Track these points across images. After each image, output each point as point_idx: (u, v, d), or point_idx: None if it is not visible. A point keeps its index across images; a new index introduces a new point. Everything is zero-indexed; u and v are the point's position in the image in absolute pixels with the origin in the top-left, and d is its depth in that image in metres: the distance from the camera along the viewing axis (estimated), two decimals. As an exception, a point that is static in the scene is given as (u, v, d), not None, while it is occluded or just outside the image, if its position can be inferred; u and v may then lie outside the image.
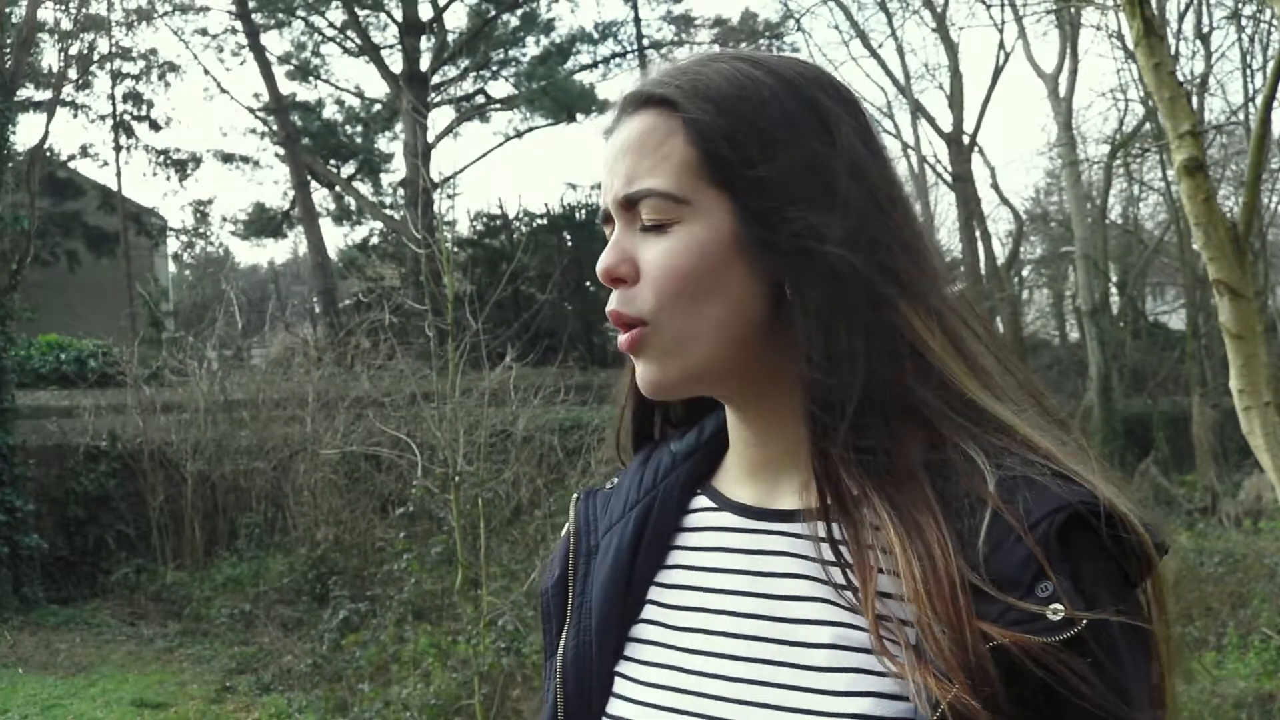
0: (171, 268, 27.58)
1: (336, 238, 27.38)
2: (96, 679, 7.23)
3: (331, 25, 21.20)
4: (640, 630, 0.87)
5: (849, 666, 0.75)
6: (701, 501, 0.90)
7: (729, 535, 0.86)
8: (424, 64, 20.06)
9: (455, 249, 9.23)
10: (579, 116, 20.68)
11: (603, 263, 0.83)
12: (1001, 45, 20.70)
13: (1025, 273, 23.52)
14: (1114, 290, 18.77)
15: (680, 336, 0.80)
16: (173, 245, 26.11)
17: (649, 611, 0.87)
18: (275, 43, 30.60)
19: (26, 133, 23.89)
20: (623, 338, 0.82)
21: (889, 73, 18.46)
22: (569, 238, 17.87)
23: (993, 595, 0.69)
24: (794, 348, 0.80)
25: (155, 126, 21.30)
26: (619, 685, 0.86)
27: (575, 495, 0.98)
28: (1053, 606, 0.68)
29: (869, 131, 0.83)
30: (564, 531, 0.95)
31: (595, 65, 21.37)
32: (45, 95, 18.24)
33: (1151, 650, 0.73)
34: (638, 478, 0.93)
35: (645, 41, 20.64)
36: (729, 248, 0.79)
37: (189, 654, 7.86)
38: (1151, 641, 0.73)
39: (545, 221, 18.00)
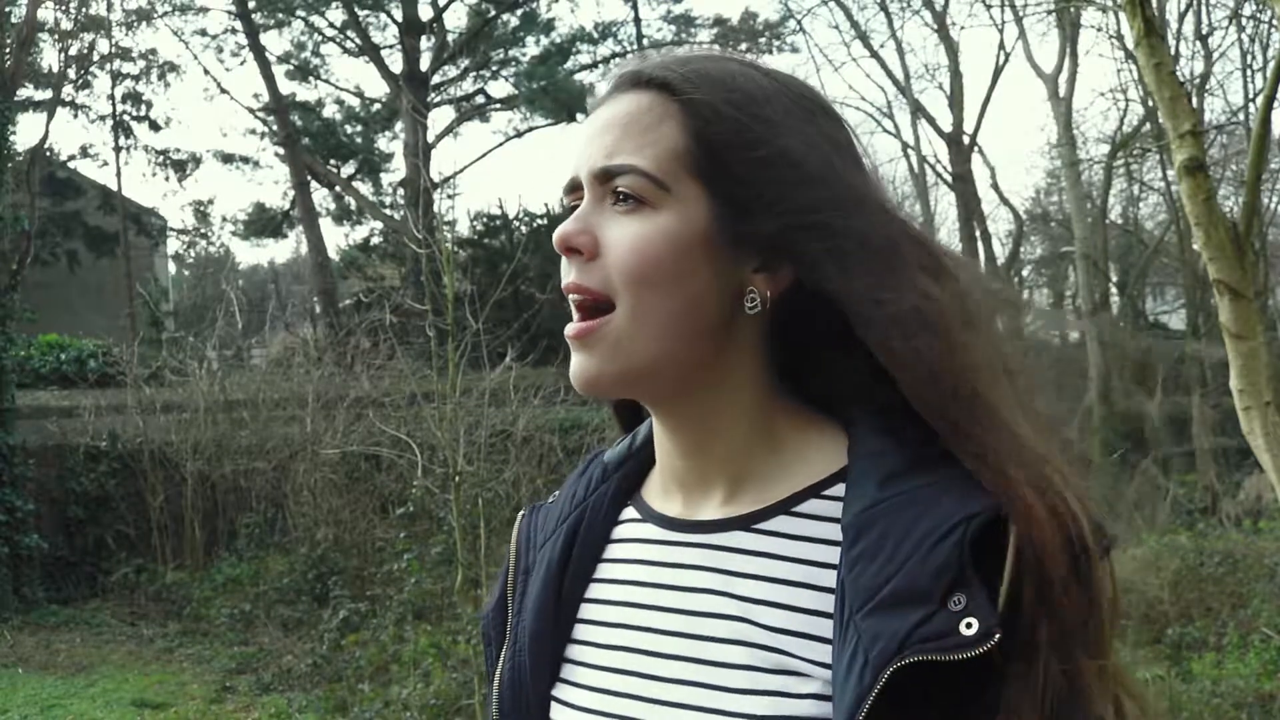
0: (171, 268, 27.61)
1: (336, 238, 27.40)
2: (96, 679, 7.23)
3: (331, 25, 21.22)
4: (573, 651, 0.85)
5: (765, 689, 0.73)
6: (629, 513, 0.88)
7: (651, 548, 0.84)
8: (424, 64, 20.06)
9: (455, 249, 9.22)
10: (579, 116, 20.66)
11: (562, 230, 0.79)
12: (1001, 45, 20.67)
13: (1025, 273, 23.56)
14: (1114, 290, 18.77)
15: (634, 328, 0.77)
16: (173, 245, 26.15)
17: (580, 630, 0.85)
18: (275, 43, 30.66)
19: (26, 133, 23.87)
20: (579, 325, 0.79)
21: (889, 73, 18.42)
22: (569, 237, 17.83)
23: (904, 608, 0.67)
24: (738, 364, 0.80)
25: (155, 127, 21.32)
26: (555, 711, 0.84)
27: (521, 513, 0.95)
28: (966, 620, 0.65)
29: (849, 134, 0.83)
30: (507, 550, 0.93)
31: (595, 65, 21.37)
32: (45, 95, 18.25)
33: (1090, 662, 0.70)
34: (572, 490, 0.91)
35: (645, 41, 20.64)
36: (699, 246, 0.77)
37: (189, 654, 7.86)
38: (1094, 652, 0.70)
39: (545, 221, 17.98)
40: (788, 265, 0.78)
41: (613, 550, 0.87)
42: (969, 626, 0.65)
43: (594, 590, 0.86)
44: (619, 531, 0.88)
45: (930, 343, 0.74)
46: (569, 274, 0.80)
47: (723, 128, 0.78)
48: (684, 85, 0.79)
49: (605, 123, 0.81)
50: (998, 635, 0.65)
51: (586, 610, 0.86)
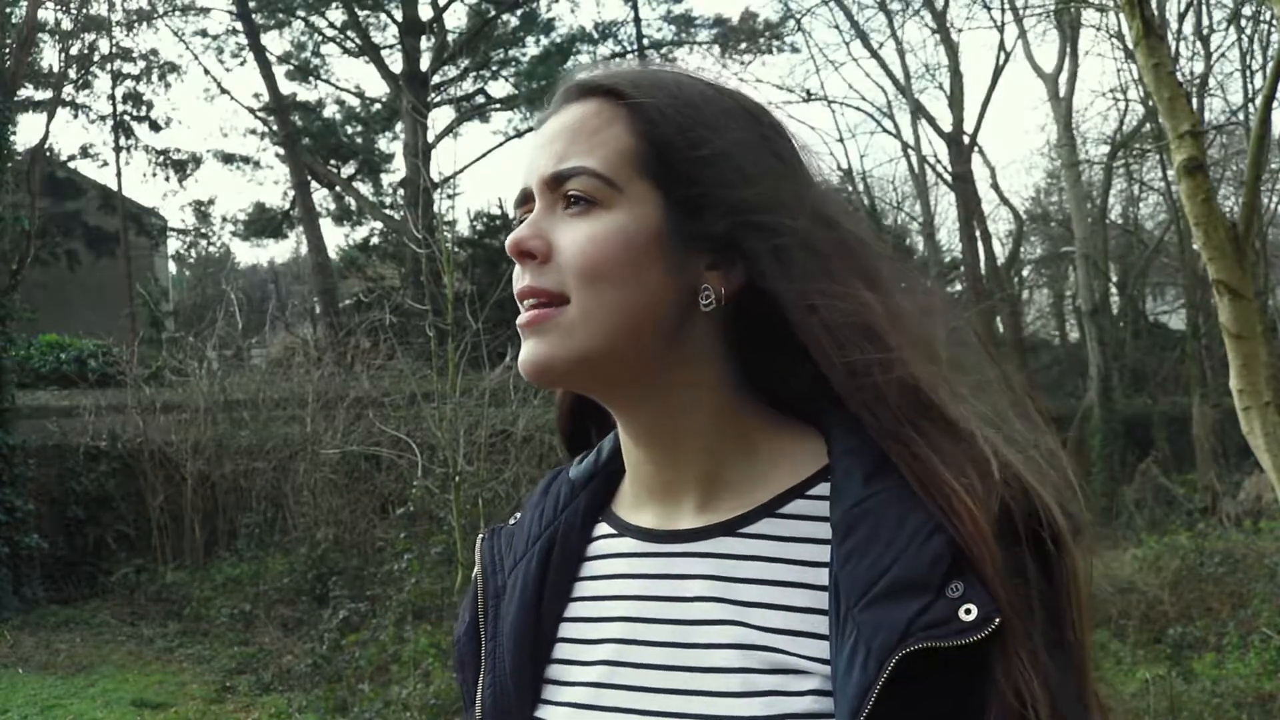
0: (172, 268, 27.58)
1: (336, 238, 27.35)
2: (96, 679, 7.23)
3: (331, 25, 21.20)
4: (554, 671, 0.84)
5: (763, 689, 0.73)
6: (602, 529, 0.88)
7: (631, 561, 0.84)
8: (424, 64, 20.05)
9: (455, 249, 9.22)
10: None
11: (515, 235, 0.80)
12: (1001, 45, 20.64)
13: (1025, 273, 23.52)
14: (1114, 290, 18.78)
15: (587, 320, 0.77)
16: (173, 245, 26.13)
17: (560, 650, 0.84)
18: (275, 43, 30.43)
19: (26, 133, 23.80)
20: (527, 314, 0.79)
21: (889, 73, 18.36)
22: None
23: (903, 597, 0.68)
24: (698, 363, 0.80)
25: (155, 127, 21.31)
26: None
27: (480, 535, 0.95)
28: (964, 607, 0.66)
29: (793, 142, 0.84)
30: (473, 575, 0.92)
31: (595, 65, 21.29)
32: (45, 95, 18.24)
33: (1072, 642, 0.71)
34: (539, 510, 0.90)
35: (645, 41, 20.63)
36: (652, 243, 0.78)
37: (189, 654, 7.86)
38: (1071, 632, 0.71)
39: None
40: (739, 264, 0.79)
41: (590, 567, 0.86)
42: (968, 613, 0.66)
43: (573, 609, 0.86)
44: (594, 548, 0.87)
45: (862, 353, 0.75)
46: (522, 279, 0.80)
47: (668, 128, 0.79)
48: (629, 89, 0.81)
49: (554, 132, 0.82)
50: (997, 620, 0.66)
51: (567, 629, 0.85)
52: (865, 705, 0.66)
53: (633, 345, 0.78)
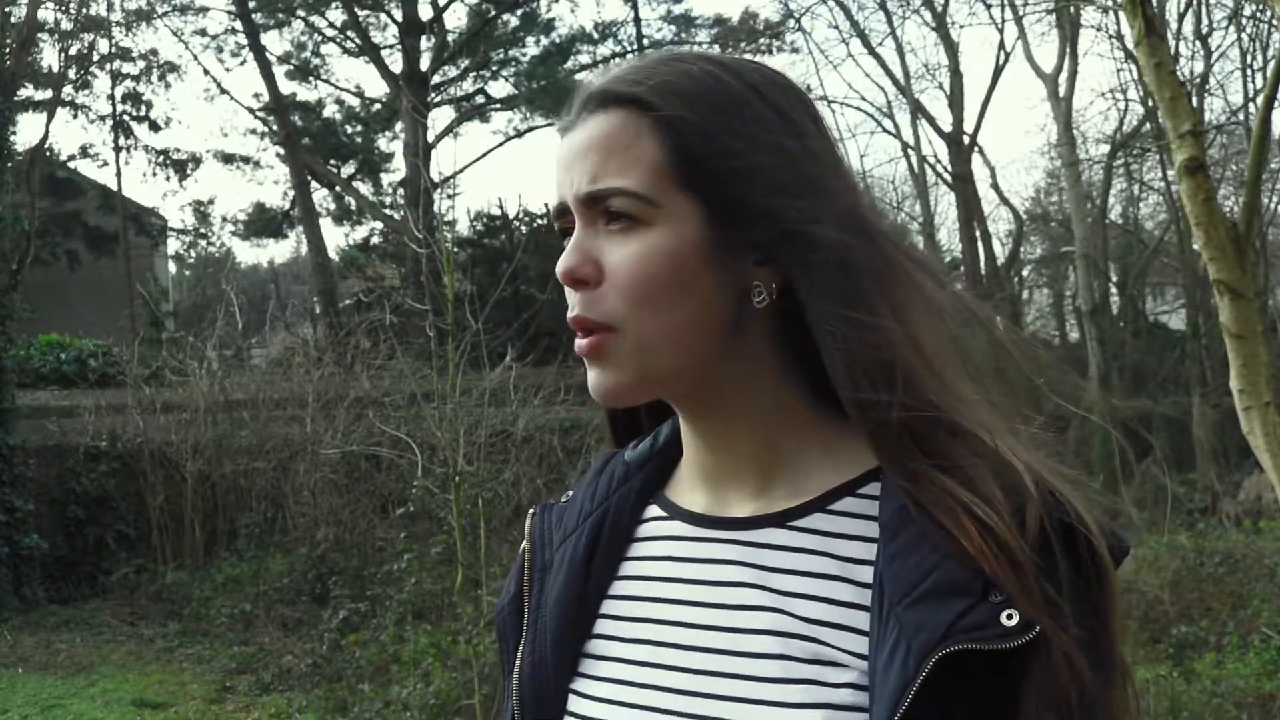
0: (171, 268, 27.59)
1: (336, 238, 27.34)
2: (96, 679, 7.23)
3: (331, 25, 21.22)
4: (593, 645, 0.86)
5: (800, 677, 0.74)
6: (653, 510, 0.89)
7: (679, 544, 0.85)
8: (424, 64, 20.05)
9: (455, 249, 9.22)
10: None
11: (564, 263, 0.80)
12: (1001, 45, 20.64)
13: (1025, 273, 23.52)
14: (1114, 290, 18.77)
15: (643, 343, 0.78)
16: (173, 245, 26.13)
17: (601, 625, 0.86)
18: (275, 43, 30.51)
19: (26, 133, 23.80)
20: (583, 342, 0.80)
21: (889, 73, 18.37)
22: (569, 237, 17.86)
23: (947, 599, 0.69)
24: (754, 355, 0.81)
25: (155, 127, 21.30)
26: (572, 703, 0.84)
27: (531, 511, 0.96)
28: (1007, 612, 0.68)
29: (829, 138, 0.83)
30: (521, 549, 0.94)
31: (595, 65, 21.34)
32: (45, 95, 18.24)
33: (1107, 655, 0.72)
34: (592, 488, 0.92)
35: (645, 41, 20.63)
36: (697, 254, 0.78)
37: (189, 654, 7.86)
38: (1109, 646, 0.73)
39: (545, 221, 17.98)
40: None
41: (638, 548, 0.88)
42: (1010, 618, 0.68)
43: (618, 587, 0.87)
44: (644, 529, 0.89)
45: (874, 392, 0.75)
46: (574, 307, 0.81)
47: (697, 139, 0.78)
48: (654, 99, 0.79)
49: (584, 147, 0.81)
50: (1039, 627, 0.67)
51: (609, 606, 0.87)
52: (904, 701, 0.67)
53: (693, 357, 0.79)
